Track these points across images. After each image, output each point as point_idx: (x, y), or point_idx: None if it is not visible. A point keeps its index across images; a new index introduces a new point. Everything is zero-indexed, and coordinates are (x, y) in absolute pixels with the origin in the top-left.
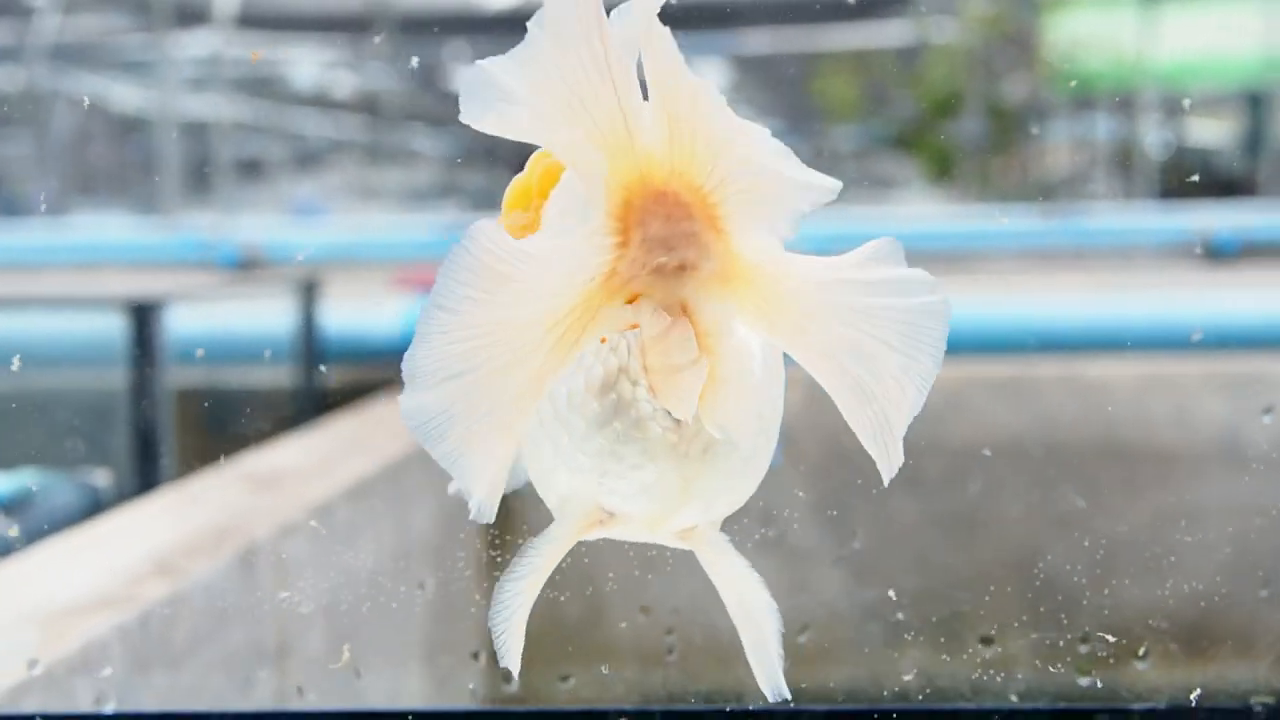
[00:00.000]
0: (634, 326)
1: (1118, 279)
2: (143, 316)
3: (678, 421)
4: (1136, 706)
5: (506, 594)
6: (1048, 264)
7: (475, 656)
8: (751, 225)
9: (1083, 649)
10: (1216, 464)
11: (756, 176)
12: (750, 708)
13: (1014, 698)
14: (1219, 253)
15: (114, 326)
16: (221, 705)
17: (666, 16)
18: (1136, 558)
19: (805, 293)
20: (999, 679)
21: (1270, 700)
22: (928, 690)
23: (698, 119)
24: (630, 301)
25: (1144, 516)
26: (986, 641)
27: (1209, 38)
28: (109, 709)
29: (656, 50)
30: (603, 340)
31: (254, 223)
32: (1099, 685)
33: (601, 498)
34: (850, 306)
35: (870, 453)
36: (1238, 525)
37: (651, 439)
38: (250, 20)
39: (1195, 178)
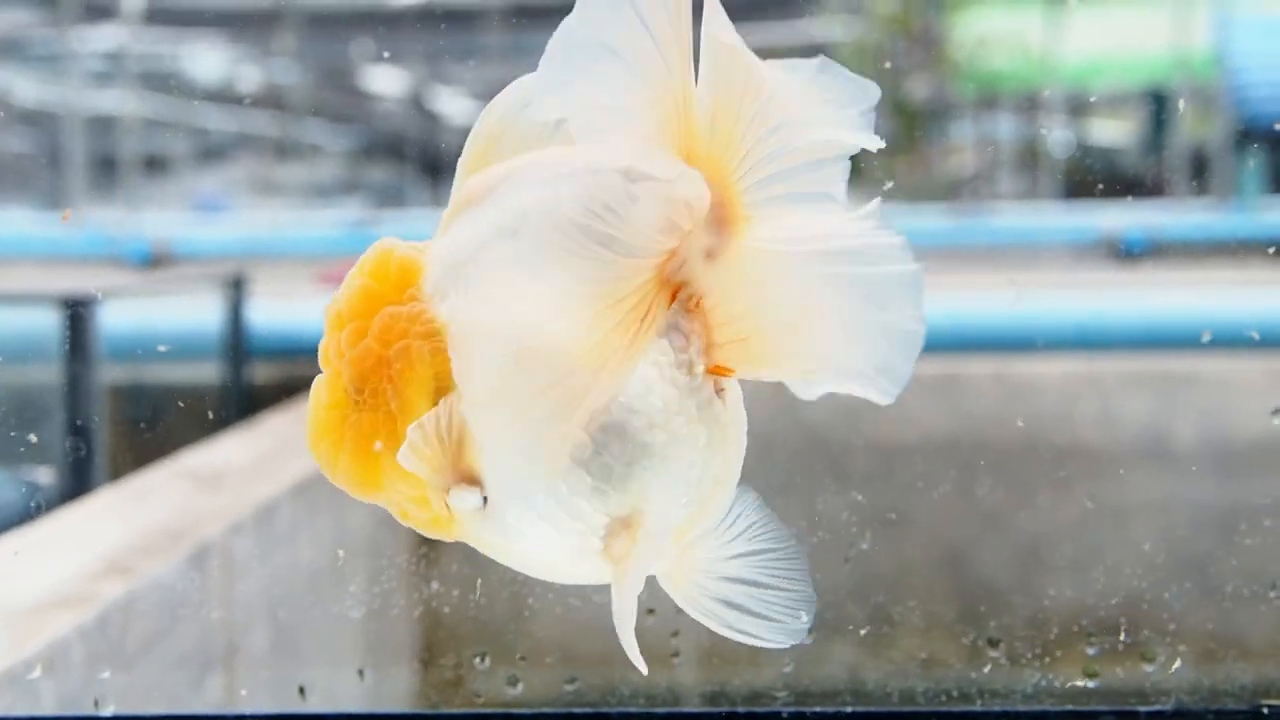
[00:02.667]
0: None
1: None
2: (76, 312)
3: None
4: (1143, 709)
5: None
6: (954, 264)
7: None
8: (770, 216)
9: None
10: (1140, 461)
11: (787, 174)
12: (753, 710)
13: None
14: (1128, 252)
15: (46, 322)
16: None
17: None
18: (1061, 554)
19: (786, 273)
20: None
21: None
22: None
23: (745, 105)
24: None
25: (1069, 513)
26: (993, 643)
27: (1116, 36)
28: (108, 711)
29: (718, 34)
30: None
31: (159, 218)
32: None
33: (651, 510)
34: (823, 276)
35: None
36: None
37: (719, 421)
38: (156, 15)
39: (1102, 180)
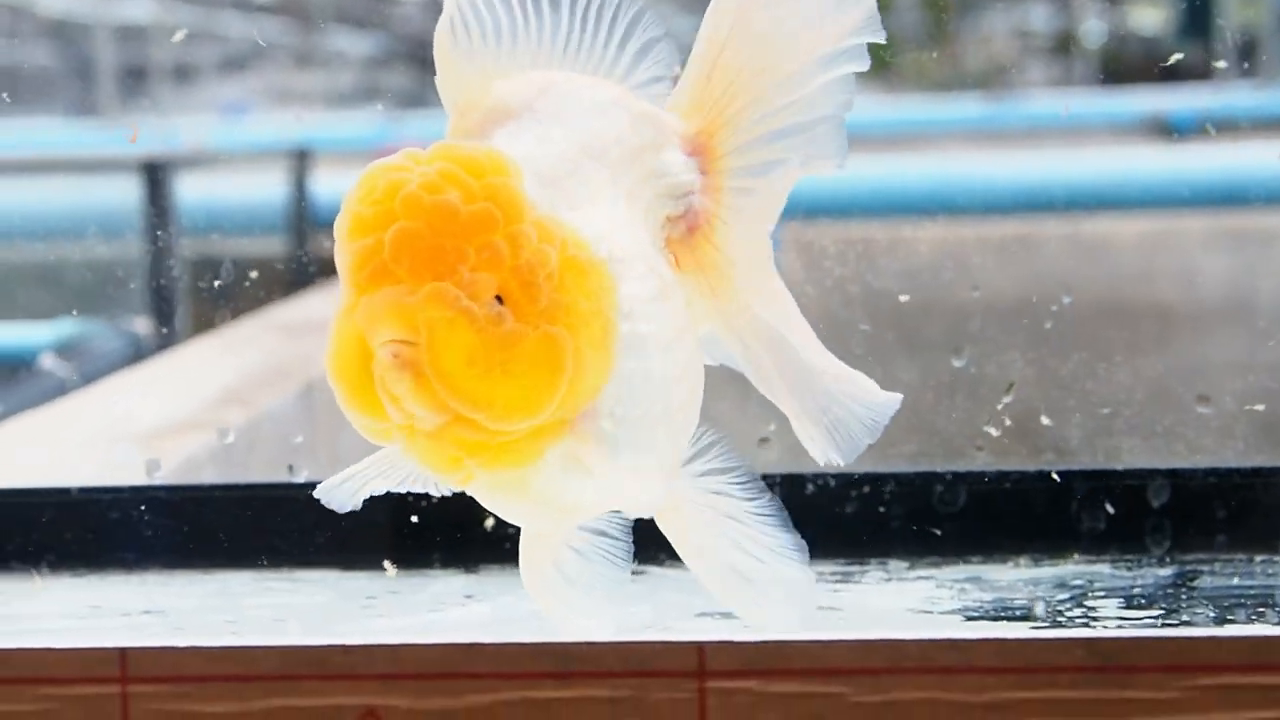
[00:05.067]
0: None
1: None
2: (155, 176)
3: None
4: None
5: None
6: (995, 147)
7: None
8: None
9: None
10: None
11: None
12: None
13: None
14: (1176, 131)
15: (128, 187)
16: None
17: None
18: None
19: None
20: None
21: None
22: None
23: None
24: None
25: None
26: None
27: None
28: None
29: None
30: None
31: (188, 122)
32: None
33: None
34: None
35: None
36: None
37: None
38: None
39: (1142, 65)
